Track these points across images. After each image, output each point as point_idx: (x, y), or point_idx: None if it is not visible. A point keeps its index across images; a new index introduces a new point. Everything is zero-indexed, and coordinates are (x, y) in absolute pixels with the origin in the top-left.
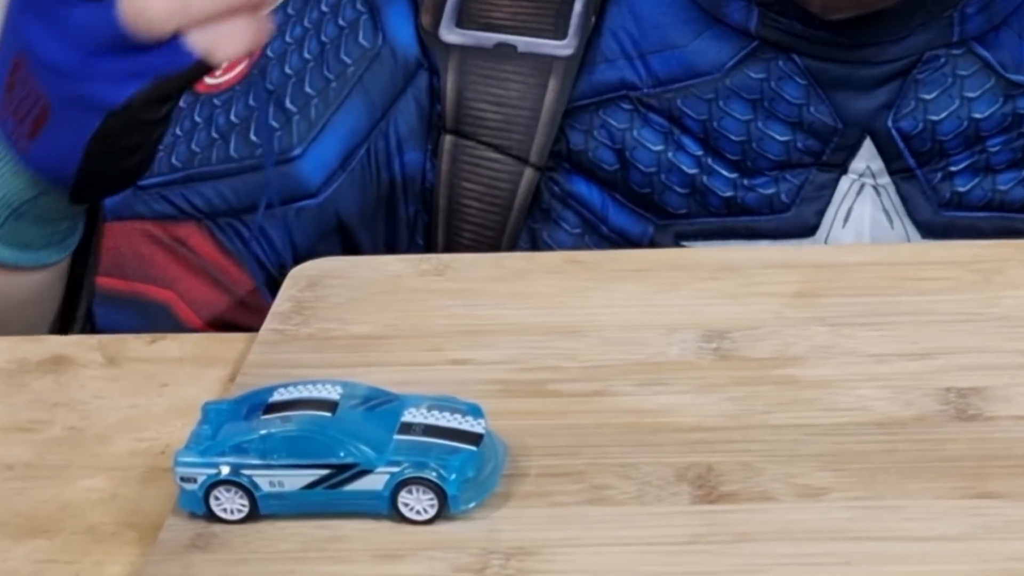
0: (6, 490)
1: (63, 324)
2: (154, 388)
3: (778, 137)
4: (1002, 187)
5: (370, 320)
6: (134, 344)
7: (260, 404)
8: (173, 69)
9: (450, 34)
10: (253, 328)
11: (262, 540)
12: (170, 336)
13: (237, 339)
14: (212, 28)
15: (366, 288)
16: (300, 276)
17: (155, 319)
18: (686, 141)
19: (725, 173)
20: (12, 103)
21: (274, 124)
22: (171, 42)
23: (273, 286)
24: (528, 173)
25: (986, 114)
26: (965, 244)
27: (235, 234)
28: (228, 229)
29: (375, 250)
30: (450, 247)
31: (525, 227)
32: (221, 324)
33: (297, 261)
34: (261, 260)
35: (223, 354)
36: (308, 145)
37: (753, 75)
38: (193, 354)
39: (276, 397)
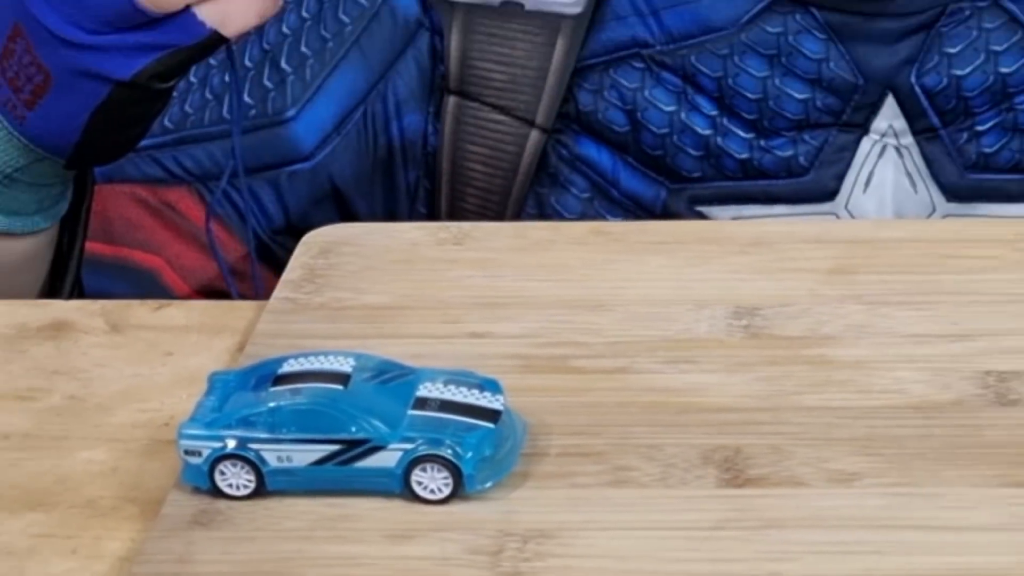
0: (2, 461)
1: (51, 291)
2: (158, 357)
3: (796, 95)
4: None
5: (385, 290)
6: (139, 311)
7: (269, 375)
8: (184, 43)
9: None
10: (243, 297)
11: (268, 517)
12: (176, 303)
13: (246, 307)
14: (223, 0)
15: (381, 256)
16: (312, 243)
17: (142, 285)
18: (700, 100)
19: (741, 134)
20: (8, 71)
21: (268, 85)
22: (182, 15)
23: (265, 253)
24: (534, 135)
25: (1013, 69)
26: (1008, 222)
27: (225, 198)
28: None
29: (373, 218)
30: (454, 214)
31: (532, 192)
32: (210, 292)
33: (290, 227)
34: (252, 226)
35: (231, 323)
36: (302, 107)
37: (770, 29)
38: (200, 322)
39: (286, 368)
